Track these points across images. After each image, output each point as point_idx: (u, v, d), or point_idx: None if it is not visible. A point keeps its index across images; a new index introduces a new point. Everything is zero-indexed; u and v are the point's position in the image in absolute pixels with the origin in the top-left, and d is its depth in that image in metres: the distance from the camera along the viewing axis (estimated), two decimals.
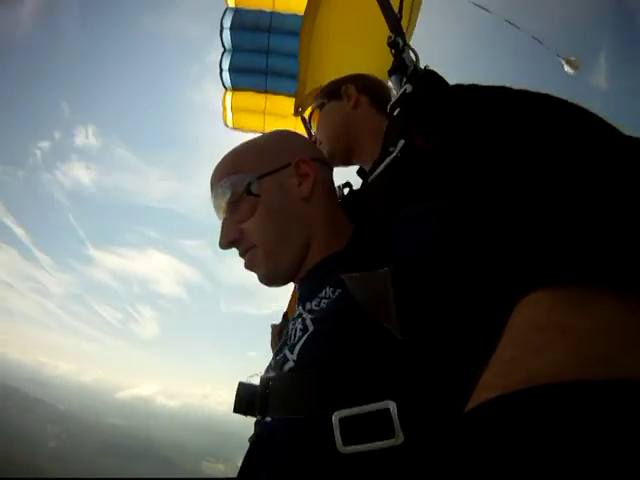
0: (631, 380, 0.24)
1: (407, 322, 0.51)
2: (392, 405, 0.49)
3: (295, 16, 2.43)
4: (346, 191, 1.06)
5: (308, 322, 0.71)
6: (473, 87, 0.74)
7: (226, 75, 2.54)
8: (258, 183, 0.83)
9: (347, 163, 1.43)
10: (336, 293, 0.71)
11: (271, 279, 0.86)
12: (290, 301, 1.68)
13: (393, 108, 1.01)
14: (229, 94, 2.59)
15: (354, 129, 1.38)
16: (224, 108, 2.63)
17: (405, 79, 1.09)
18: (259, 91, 2.57)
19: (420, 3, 2.03)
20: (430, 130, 0.77)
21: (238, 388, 0.76)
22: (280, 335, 1.41)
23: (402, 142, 0.85)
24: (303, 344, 0.67)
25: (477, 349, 0.36)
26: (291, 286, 1.32)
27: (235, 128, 2.72)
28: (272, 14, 2.47)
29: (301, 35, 1.96)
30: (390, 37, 1.22)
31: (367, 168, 1.10)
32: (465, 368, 0.41)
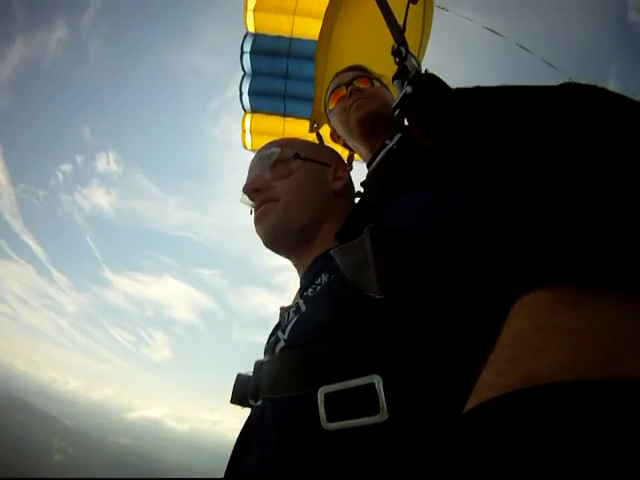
0: (630, 380, 0.24)
1: (386, 280, 0.49)
2: (377, 379, 0.47)
3: (313, 42, 2.43)
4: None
5: (301, 304, 0.74)
6: (472, 87, 0.76)
7: (246, 98, 2.59)
8: (303, 159, 0.95)
9: None
10: (331, 277, 0.73)
11: (277, 233, 0.91)
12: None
13: (394, 110, 1.08)
14: (248, 117, 2.62)
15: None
16: (243, 130, 2.66)
17: (407, 82, 1.14)
18: (278, 114, 2.61)
19: (432, 13, 2.07)
20: (428, 123, 0.80)
21: (236, 379, 0.80)
22: None
23: (398, 135, 0.95)
24: (294, 323, 0.70)
25: (470, 336, 0.35)
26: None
27: (254, 150, 2.60)
28: (291, 39, 2.53)
29: (317, 52, 2.06)
30: (394, 46, 1.29)
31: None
32: (454, 346, 0.43)
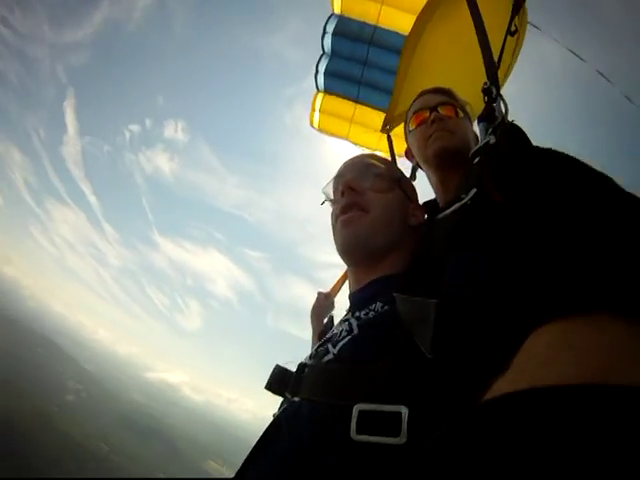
0: (629, 386, 0.26)
1: (438, 345, 0.59)
2: (404, 410, 0.55)
3: (397, 34, 2.49)
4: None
5: (354, 326, 0.80)
6: (550, 152, 0.80)
7: (321, 77, 2.59)
8: (399, 187, 1.05)
9: None
10: (385, 308, 0.80)
11: (358, 244, 0.96)
12: (335, 285, 1.91)
13: (474, 156, 1.08)
14: (320, 96, 2.64)
15: None
16: (313, 109, 2.68)
17: (491, 129, 1.16)
18: (350, 99, 2.60)
19: (520, 50, 2.05)
20: (503, 183, 0.85)
21: (274, 369, 0.88)
22: (321, 309, 1.72)
23: (474, 191, 0.94)
24: (345, 343, 0.77)
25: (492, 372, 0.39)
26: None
27: (320, 130, 2.76)
28: (375, 27, 2.51)
29: (402, 57, 2.02)
30: (485, 84, 1.34)
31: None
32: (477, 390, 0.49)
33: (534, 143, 0.93)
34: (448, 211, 1.02)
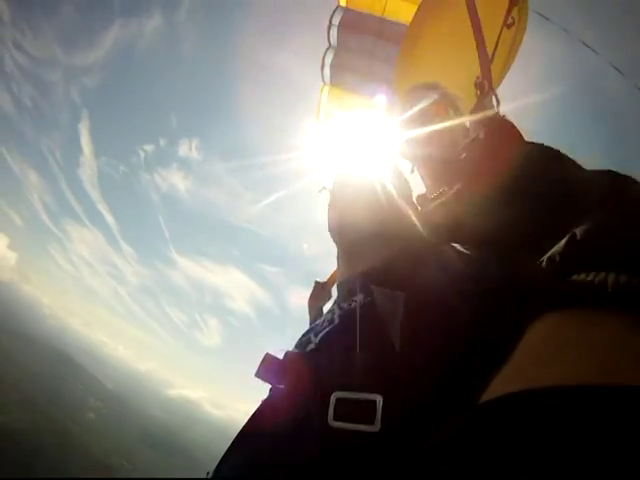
0: (627, 386, 0.26)
1: (406, 340, 0.62)
2: (379, 398, 0.57)
3: (404, 26, 2.43)
4: None
5: (336, 316, 0.82)
6: (540, 147, 0.80)
7: (327, 70, 2.57)
8: None
9: None
10: (366, 299, 0.79)
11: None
12: (332, 275, 1.82)
13: (462, 151, 1.07)
14: (326, 88, 2.62)
15: None
16: (318, 102, 2.66)
17: (481, 124, 1.15)
18: (355, 92, 2.58)
19: (520, 44, 2.03)
20: (489, 177, 0.84)
21: (264, 357, 0.87)
22: (318, 296, 1.70)
23: (458, 186, 0.95)
24: (326, 332, 0.79)
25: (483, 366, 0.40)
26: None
27: (325, 122, 2.74)
28: (382, 19, 2.52)
29: (401, 49, 2.03)
30: (478, 78, 1.33)
31: None
32: (454, 382, 0.52)
33: (531, 138, 0.92)
34: (432, 205, 1.03)
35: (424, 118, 1.30)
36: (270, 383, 0.85)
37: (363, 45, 2.52)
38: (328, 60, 2.56)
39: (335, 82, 2.59)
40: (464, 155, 1.05)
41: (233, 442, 0.78)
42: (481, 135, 1.03)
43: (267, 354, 0.86)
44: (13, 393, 77.24)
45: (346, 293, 0.90)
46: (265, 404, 0.82)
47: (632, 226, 0.44)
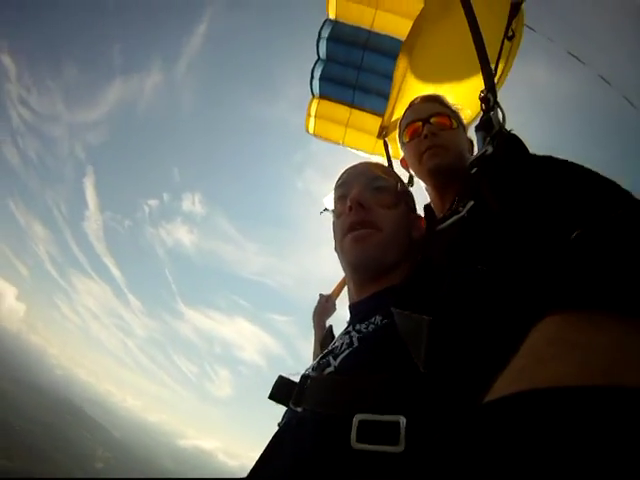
0: (628, 387, 0.26)
1: (431, 361, 0.62)
2: (402, 420, 0.58)
3: (392, 38, 2.46)
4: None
5: (355, 339, 0.83)
6: (548, 160, 0.81)
7: (316, 83, 2.58)
8: (404, 201, 1.05)
9: None
10: (384, 322, 0.82)
11: (371, 263, 0.95)
12: (336, 287, 1.96)
13: (471, 166, 1.08)
14: (315, 101, 2.62)
15: None
16: (308, 114, 2.66)
17: (488, 139, 1.14)
18: (345, 103, 2.58)
19: (515, 54, 1.98)
20: (501, 193, 0.86)
21: (277, 380, 0.90)
22: (323, 311, 1.83)
23: (471, 203, 0.95)
24: (346, 355, 0.80)
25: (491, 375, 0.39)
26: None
27: (315, 135, 2.73)
28: (370, 32, 2.49)
29: (398, 62, 1.97)
30: (482, 92, 1.29)
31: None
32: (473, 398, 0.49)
33: (532, 152, 0.94)
34: (446, 224, 1.01)
35: (427, 133, 1.27)
36: (286, 406, 0.85)
37: (352, 57, 2.52)
38: (317, 73, 2.55)
39: (324, 94, 2.58)
40: (475, 170, 1.04)
41: (258, 461, 0.78)
42: (489, 151, 1.02)
43: (280, 376, 0.88)
44: (21, 441, 75.90)
45: (362, 315, 0.89)
46: (286, 427, 0.80)
47: (634, 231, 0.44)
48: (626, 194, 0.64)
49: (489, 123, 1.20)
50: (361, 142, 2.61)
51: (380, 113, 2.31)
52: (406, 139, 1.39)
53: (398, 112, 2.01)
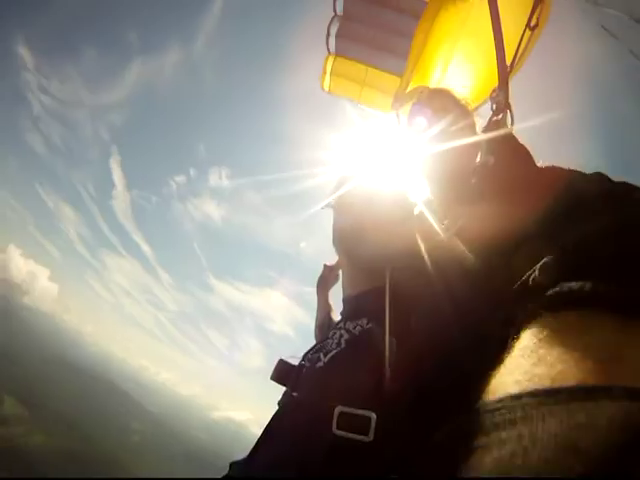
0: (622, 387, 0.26)
1: (395, 375, 0.75)
2: (373, 416, 0.72)
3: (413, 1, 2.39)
4: None
5: (343, 340, 0.95)
6: (551, 171, 0.82)
7: (332, 40, 2.55)
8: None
9: None
10: (368, 326, 0.94)
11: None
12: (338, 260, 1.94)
13: (471, 175, 1.06)
14: (331, 59, 2.58)
15: None
16: (324, 72, 2.63)
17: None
18: (361, 62, 2.54)
19: (534, 43, 1.87)
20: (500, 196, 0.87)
21: (278, 362, 1.06)
22: (326, 281, 1.81)
23: (462, 221, 0.96)
24: (333, 355, 0.93)
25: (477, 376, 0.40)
26: None
27: (331, 92, 2.70)
28: None
29: (416, 35, 1.92)
30: (494, 91, 1.23)
31: None
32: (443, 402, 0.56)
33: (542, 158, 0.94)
34: (445, 235, 1.05)
35: (445, 135, 1.21)
36: (284, 386, 1.00)
37: (369, 14, 2.45)
38: (334, 30, 2.49)
39: (340, 51, 2.53)
40: (474, 180, 1.03)
41: (262, 436, 0.95)
42: (490, 162, 1.00)
43: (280, 360, 1.04)
44: (58, 418, 77.98)
45: (352, 312, 1.06)
46: (283, 409, 0.97)
47: (627, 233, 0.45)
48: (620, 187, 0.61)
49: (495, 128, 1.15)
50: (377, 101, 2.54)
51: (397, 73, 2.29)
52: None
53: (413, 84, 2.01)
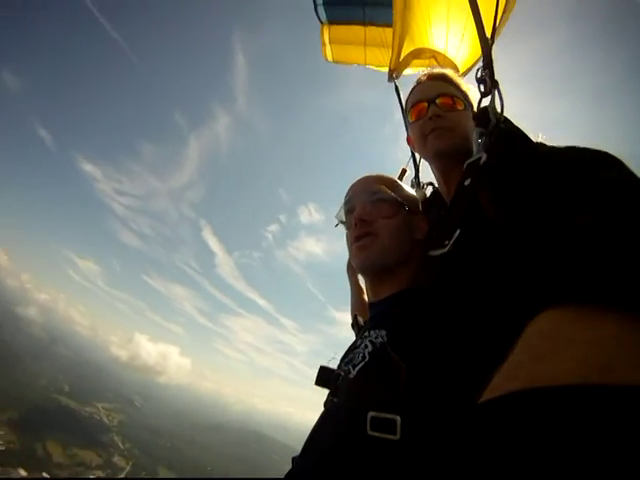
0: (625, 386, 0.26)
1: (409, 392, 0.81)
2: (398, 418, 0.79)
3: None
4: (428, 191, 1.57)
5: (366, 352, 1.04)
6: (549, 158, 0.82)
7: (321, 9, 2.46)
8: (404, 207, 1.21)
9: None
10: (385, 339, 1.01)
11: (374, 267, 1.16)
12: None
13: (464, 176, 1.04)
14: (326, 28, 2.52)
15: None
16: (323, 43, 2.56)
17: (485, 139, 1.07)
18: (357, 23, 2.45)
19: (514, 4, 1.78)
20: (497, 206, 0.87)
21: (320, 369, 1.14)
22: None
23: (457, 233, 0.96)
24: (360, 368, 1.02)
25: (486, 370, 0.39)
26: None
27: (336, 61, 2.60)
28: None
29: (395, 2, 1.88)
30: (479, 70, 1.15)
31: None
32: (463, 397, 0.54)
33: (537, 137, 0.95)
34: (435, 253, 1.03)
35: (432, 115, 1.25)
36: (327, 389, 1.10)
37: None
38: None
39: (332, 18, 2.46)
40: (468, 181, 1.01)
41: (311, 435, 1.07)
42: (484, 158, 0.97)
43: (322, 367, 1.13)
44: (216, 478, 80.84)
45: (376, 320, 1.14)
46: (329, 411, 1.08)
47: (633, 224, 0.44)
48: (633, 182, 0.61)
49: (485, 117, 1.08)
50: (384, 58, 2.39)
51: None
52: (411, 119, 1.38)
53: (405, 49, 1.96)
